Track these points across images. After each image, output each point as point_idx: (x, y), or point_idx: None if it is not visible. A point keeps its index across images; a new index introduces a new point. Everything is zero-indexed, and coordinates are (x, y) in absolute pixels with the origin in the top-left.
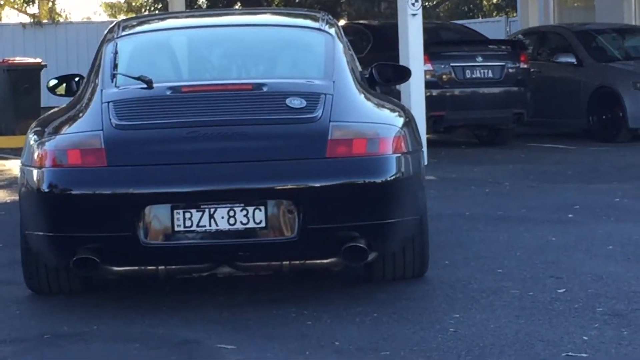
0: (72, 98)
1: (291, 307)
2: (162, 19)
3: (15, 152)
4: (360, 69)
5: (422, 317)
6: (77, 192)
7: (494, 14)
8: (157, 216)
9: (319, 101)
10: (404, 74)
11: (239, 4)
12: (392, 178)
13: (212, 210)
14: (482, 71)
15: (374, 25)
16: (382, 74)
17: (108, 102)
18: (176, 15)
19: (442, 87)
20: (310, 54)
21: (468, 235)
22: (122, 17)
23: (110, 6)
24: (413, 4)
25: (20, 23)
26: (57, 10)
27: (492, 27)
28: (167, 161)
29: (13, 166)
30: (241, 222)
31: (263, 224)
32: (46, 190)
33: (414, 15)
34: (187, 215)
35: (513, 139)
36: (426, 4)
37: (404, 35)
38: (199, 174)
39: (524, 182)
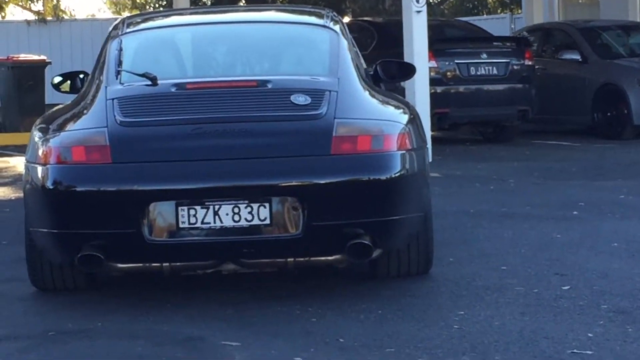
0: (76, 95)
1: (296, 304)
2: (167, 16)
3: (19, 149)
4: (364, 66)
5: (427, 314)
6: (81, 189)
7: (499, 11)
8: (161, 213)
9: (324, 98)
10: (409, 71)
11: (243, 1)
12: (396, 175)
13: (217, 207)
14: (486, 68)
15: (378, 22)
16: (386, 71)
17: (112, 99)
18: (181, 12)
19: (446, 84)
20: (314, 51)
21: (472, 232)
22: (126, 14)
23: (115, 3)
24: (418, 1)
25: (25, 20)
26: (62, 8)
27: (497, 24)
28: (172, 158)
29: (17, 163)
30: (246, 219)
31: (267, 221)
32: (51, 187)
33: (418, 12)
34: (192, 212)
35: (518, 136)
36: (431, 1)
37: (408, 32)
38: (203, 170)
39: (529, 179)
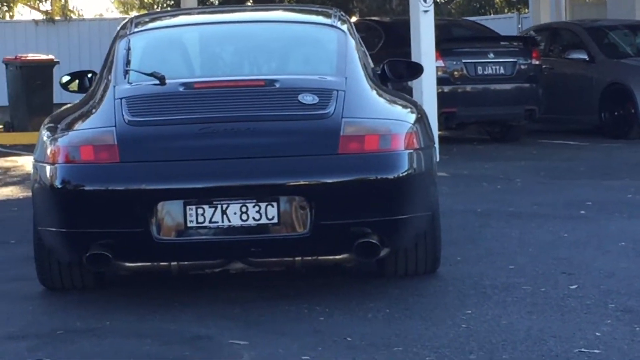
0: (84, 94)
1: (303, 303)
2: (175, 16)
3: (28, 149)
4: (372, 65)
5: (434, 313)
6: (89, 188)
7: (506, 11)
8: (169, 212)
9: (331, 97)
10: (416, 70)
11: (251, 1)
12: (404, 174)
13: (225, 206)
14: (493, 67)
15: (385, 22)
16: (394, 71)
17: (121, 99)
18: (188, 11)
19: (453, 83)
20: (322, 51)
21: (480, 232)
22: (134, 13)
23: (123, 3)
24: (425, 1)
25: (33, 20)
26: (70, 7)
27: (504, 24)
28: (180, 157)
29: (26, 162)
30: (253, 218)
31: (275, 220)
32: (59, 186)
33: (425, 11)
34: (200, 211)
35: (525, 135)
36: (438, 0)
37: (415, 32)
38: (211, 170)
39: (536, 179)
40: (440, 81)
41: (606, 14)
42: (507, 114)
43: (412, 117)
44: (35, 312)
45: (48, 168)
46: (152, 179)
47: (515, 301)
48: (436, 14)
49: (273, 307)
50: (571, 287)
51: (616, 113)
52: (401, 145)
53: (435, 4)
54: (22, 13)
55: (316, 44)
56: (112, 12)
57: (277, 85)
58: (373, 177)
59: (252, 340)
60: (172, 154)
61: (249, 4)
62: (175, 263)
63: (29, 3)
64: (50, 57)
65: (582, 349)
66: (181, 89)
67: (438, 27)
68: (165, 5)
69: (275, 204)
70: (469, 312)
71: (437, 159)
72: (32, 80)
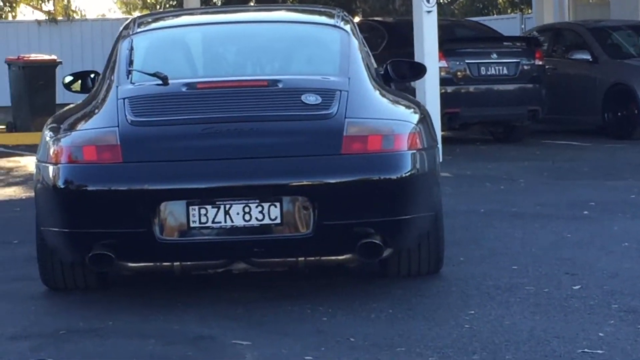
0: (87, 95)
1: (306, 303)
2: (178, 16)
3: (30, 149)
4: (375, 65)
5: (438, 313)
6: (92, 188)
7: (509, 11)
8: (172, 212)
9: (335, 98)
10: (419, 70)
11: (254, 1)
12: (407, 174)
13: (228, 206)
14: (497, 68)
15: (388, 22)
16: (397, 71)
17: (124, 99)
18: (191, 12)
19: (457, 84)
20: (325, 51)
21: (483, 232)
22: (137, 14)
23: (125, 3)
24: (428, 1)
25: (36, 20)
26: (72, 8)
27: (507, 24)
28: (183, 157)
29: (28, 163)
30: (256, 219)
31: (278, 220)
32: (62, 186)
33: (429, 12)
34: (203, 211)
35: (528, 136)
36: (441, 1)
37: (418, 32)
38: (214, 170)
39: (539, 179)
40: (444, 82)
41: (609, 14)
42: (510, 115)
43: (415, 118)
44: (38, 312)
45: (51, 168)
46: (155, 179)
47: (519, 302)
48: (439, 14)
49: (276, 308)
50: (574, 287)
51: (619, 113)
52: (404, 146)
53: (439, 4)
54: (25, 13)
55: (319, 44)
56: (115, 12)
57: (280, 85)
58: (376, 178)
59: (255, 341)
60: (175, 154)
61: (252, 4)
62: (178, 263)
63: (31, 3)
64: (53, 57)
65: (586, 350)
66: (184, 89)
67: (441, 28)
68: (167, 5)
69: (278, 204)
70: (472, 312)
71: (440, 160)
72: (35, 80)
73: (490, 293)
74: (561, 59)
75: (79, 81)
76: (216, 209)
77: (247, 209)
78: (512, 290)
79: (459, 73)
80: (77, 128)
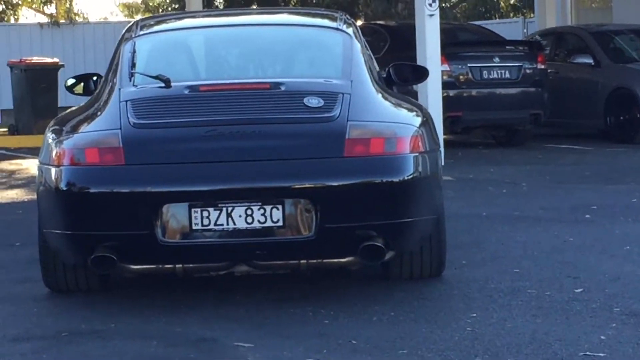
0: (90, 97)
1: (308, 305)
2: (180, 19)
3: (32, 152)
4: (377, 68)
5: (439, 316)
6: (95, 191)
7: (511, 15)
8: (174, 215)
9: (337, 100)
10: (422, 74)
11: (256, 4)
12: (409, 177)
13: (230, 208)
14: (499, 72)
15: (391, 26)
16: (399, 74)
17: (126, 101)
18: (194, 14)
19: (459, 87)
20: (328, 54)
21: (485, 235)
22: (139, 17)
23: (128, 6)
24: (430, 5)
25: (38, 23)
26: (75, 11)
27: (510, 28)
28: (185, 160)
29: (30, 165)
30: (259, 221)
31: (281, 223)
32: (64, 188)
33: (431, 15)
34: (205, 213)
35: (530, 139)
36: (443, 4)
37: (421, 36)
38: (216, 172)
39: (541, 183)
40: (446, 85)
41: (612, 18)
42: (513, 118)
43: (418, 121)
44: (40, 314)
45: (53, 170)
46: (158, 182)
47: (521, 305)
48: (441, 18)
49: (278, 310)
50: (576, 290)
51: (621, 117)
52: (407, 149)
53: (441, 8)
54: (27, 16)
55: (322, 47)
56: (117, 15)
57: (283, 88)
58: (378, 180)
59: (257, 343)
60: (178, 156)
61: (254, 7)
62: (180, 265)
63: (33, 6)
64: (55, 60)
65: (587, 353)
66: (186, 91)
67: (443, 31)
68: (170, 8)
69: (280, 206)
70: (474, 315)
71: (443, 163)
72: (37, 83)
73: (492, 296)
74: (563, 63)
75: (82, 84)
76: (218, 212)
77: (249, 212)
78: (514, 293)
79: (461, 77)
80: (80, 130)
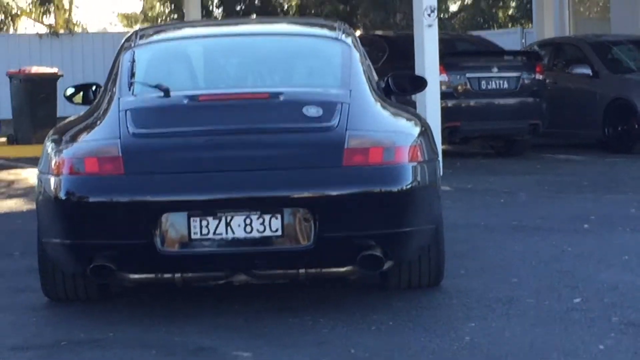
0: (89, 107)
1: (307, 315)
2: (179, 28)
3: (31, 161)
4: (376, 78)
5: (438, 325)
6: (94, 200)
7: (510, 26)
8: (173, 224)
9: (336, 110)
10: (420, 83)
11: (255, 14)
12: (408, 187)
13: (229, 218)
14: (497, 82)
15: (389, 36)
16: (398, 84)
17: (125, 110)
18: (193, 24)
19: (457, 97)
20: (326, 63)
21: (484, 245)
22: (138, 27)
23: (127, 17)
24: (429, 15)
25: (37, 33)
26: (74, 21)
27: (508, 39)
28: (184, 169)
29: (29, 175)
30: (257, 230)
31: (279, 232)
32: (63, 197)
33: (429, 26)
34: (204, 223)
35: (528, 149)
36: (442, 15)
37: (419, 46)
38: (215, 182)
39: (540, 193)
40: (444, 95)
41: (610, 29)
42: (511, 129)
43: (416, 130)
44: (39, 323)
45: (52, 179)
46: (157, 191)
47: (519, 314)
48: (440, 28)
49: (277, 319)
50: (575, 300)
51: (620, 128)
52: (405, 158)
53: (439, 18)
54: (26, 27)
55: (321, 57)
56: (116, 26)
57: (282, 97)
58: (377, 190)
59: (256, 352)
60: (177, 166)
61: (253, 17)
62: (179, 275)
63: (33, 17)
64: (54, 70)
65: None
66: (186, 101)
67: (442, 42)
68: (169, 19)
69: (279, 216)
70: (473, 324)
71: (441, 173)
72: (36, 93)
73: (490, 305)
74: (562, 73)
75: (81, 93)
76: (217, 221)
77: (248, 221)
78: (513, 302)
79: (459, 87)
80: (79, 140)
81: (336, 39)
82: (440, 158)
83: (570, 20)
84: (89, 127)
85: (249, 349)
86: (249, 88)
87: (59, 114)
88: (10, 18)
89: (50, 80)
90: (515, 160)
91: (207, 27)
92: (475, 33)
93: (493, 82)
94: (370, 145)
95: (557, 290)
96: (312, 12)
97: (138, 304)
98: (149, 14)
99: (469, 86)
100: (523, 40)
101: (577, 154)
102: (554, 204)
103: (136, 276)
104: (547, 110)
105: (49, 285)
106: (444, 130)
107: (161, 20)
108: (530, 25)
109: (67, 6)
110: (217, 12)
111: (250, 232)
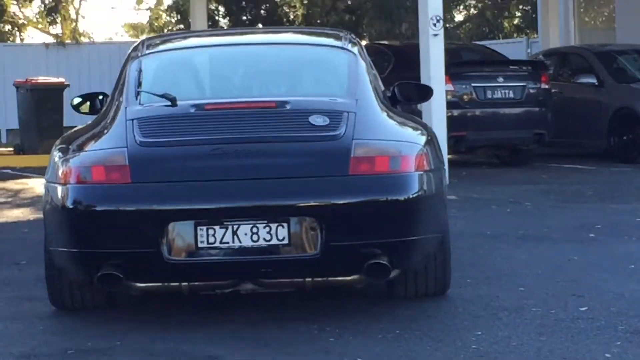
0: (95, 116)
1: (313, 323)
2: (186, 38)
3: (38, 171)
4: (382, 87)
5: (445, 334)
6: (101, 209)
7: (515, 35)
8: (180, 233)
9: (342, 119)
10: (426, 93)
11: (261, 24)
12: (414, 196)
13: (236, 227)
14: (503, 91)
15: (395, 46)
16: (404, 93)
17: (132, 120)
18: (199, 34)
19: (463, 107)
20: (333, 72)
21: (490, 254)
22: (144, 37)
23: (133, 27)
24: (435, 25)
25: (44, 43)
26: (80, 31)
27: (513, 48)
28: (191, 178)
29: (36, 185)
30: (264, 239)
31: (286, 241)
32: (70, 206)
33: (435, 35)
34: (211, 231)
35: (534, 159)
36: (447, 25)
37: (425, 56)
38: (222, 190)
39: (545, 202)
40: (450, 105)
41: (615, 38)
42: (517, 138)
43: (423, 139)
44: (46, 332)
45: (60, 188)
46: (163, 200)
47: (525, 323)
48: (445, 38)
49: (283, 328)
50: (581, 309)
51: (625, 137)
52: (411, 167)
53: (445, 28)
54: (33, 37)
55: (327, 66)
56: (122, 36)
57: (288, 106)
58: (383, 199)
59: None
60: (183, 174)
61: (259, 26)
62: (185, 283)
63: (39, 27)
64: (61, 80)
65: None
66: (192, 110)
67: (448, 51)
68: (175, 29)
69: (285, 224)
70: (479, 333)
71: (447, 182)
72: (43, 103)
73: (497, 314)
74: (567, 83)
75: (88, 103)
76: (224, 230)
77: (255, 230)
78: (519, 311)
79: (465, 96)
80: (86, 149)
81: (342, 48)
82: (446, 167)
83: (575, 29)
84: (96, 136)
85: (255, 357)
86: (256, 97)
87: (65, 123)
88: (17, 28)
89: (57, 90)
90: (520, 170)
91: (213, 36)
92: (480, 43)
93: (498, 92)
94: (376, 154)
95: (564, 299)
96: (318, 22)
97: (145, 312)
98: (155, 24)
99: (474, 96)
100: (528, 50)
101: (583, 163)
102: (559, 213)
103: (143, 285)
104: (552, 119)
105: (56, 293)
106: (449, 139)
107: (167, 31)
108: (535, 35)
109: (73, 16)
110: (223, 22)
111: (257, 240)
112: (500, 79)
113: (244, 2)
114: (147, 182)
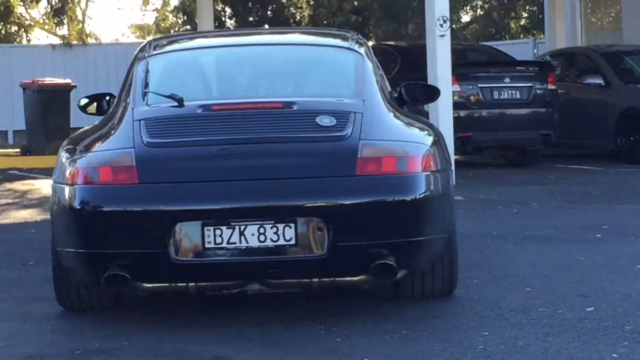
0: (102, 117)
1: (320, 324)
2: (193, 38)
3: (45, 172)
4: (389, 88)
5: (451, 334)
6: (108, 209)
7: (521, 36)
8: (187, 233)
9: (349, 119)
10: (433, 93)
11: (268, 25)
12: (421, 196)
13: (243, 227)
14: (510, 92)
15: (402, 46)
16: (410, 94)
17: (139, 120)
18: (206, 34)
19: (469, 108)
20: (340, 73)
21: (497, 255)
22: (151, 38)
23: (140, 28)
24: (441, 25)
25: (50, 44)
26: (87, 32)
27: (520, 49)
28: (198, 178)
29: (43, 185)
30: (271, 240)
31: (293, 242)
32: (78, 207)
33: (442, 36)
34: (218, 232)
35: (541, 160)
36: (454, 25)
37: (432, 56)
38: (229, 191)
39: (552, 203)
40: (456, 106)
41: (622, 39)
42: (523, 139)
43: (429, 140)
44: (53, 332)
45: (67, 189)
46: (171, 200)
47: (532, 323)
48: (452, 39)
49: (290, 328)
50: (588, 309)
51: (632, 138)
52: (418, 167)
53: (451, 29)
54: (40, 38)
55: (334, 67)
56: (129, 37)
57: (295, 107)
58: (390, 199)
59: None
60: (190, 175)
61: (266, 27)
62: (193, 284)
63: (46, 28)
64: (67, 81)
65: None
66: (199, 111)
67: (454, 52)
68: (182, 29)
69: (292, 225)
70: (486, 333)
71: (454, 183)
72: (49, 104)
73: (503, 314)
74: (574, 84)
75: (95, 103)
76: (231, 230)
77: (262, 230)
78: (526, 311)
79: (471, 97)
80: (93, 149)
81: (349, 49)
82: (452, 167)
83: (582, 30)
84: (103, 137)
85: (262, 358)
86: (263, 97)
87: (72, 124)
88: (23, 29)
89: (64, 91)
90: (527, 171)
91: (220, 37)
92: (487, 43)
93: (505, 93)
94: (383, 155)
95: (571, 300)
96: (325, 22)
97: (152, 313)
98: (162, 25)
99: (481, 96)
100: (535, 51)
101: (589, 164)
102: (566, 214)
103: (150, 285)
104: (559, 120)
105: (63, 294)
106: (456, 140)
107: (174, 31)
108: (542, 35)
109: (80, 17)
110: (230, 23)
111: (264, 241)
112: (507, 80)
113: (250, 3)
114: (154, 182)
